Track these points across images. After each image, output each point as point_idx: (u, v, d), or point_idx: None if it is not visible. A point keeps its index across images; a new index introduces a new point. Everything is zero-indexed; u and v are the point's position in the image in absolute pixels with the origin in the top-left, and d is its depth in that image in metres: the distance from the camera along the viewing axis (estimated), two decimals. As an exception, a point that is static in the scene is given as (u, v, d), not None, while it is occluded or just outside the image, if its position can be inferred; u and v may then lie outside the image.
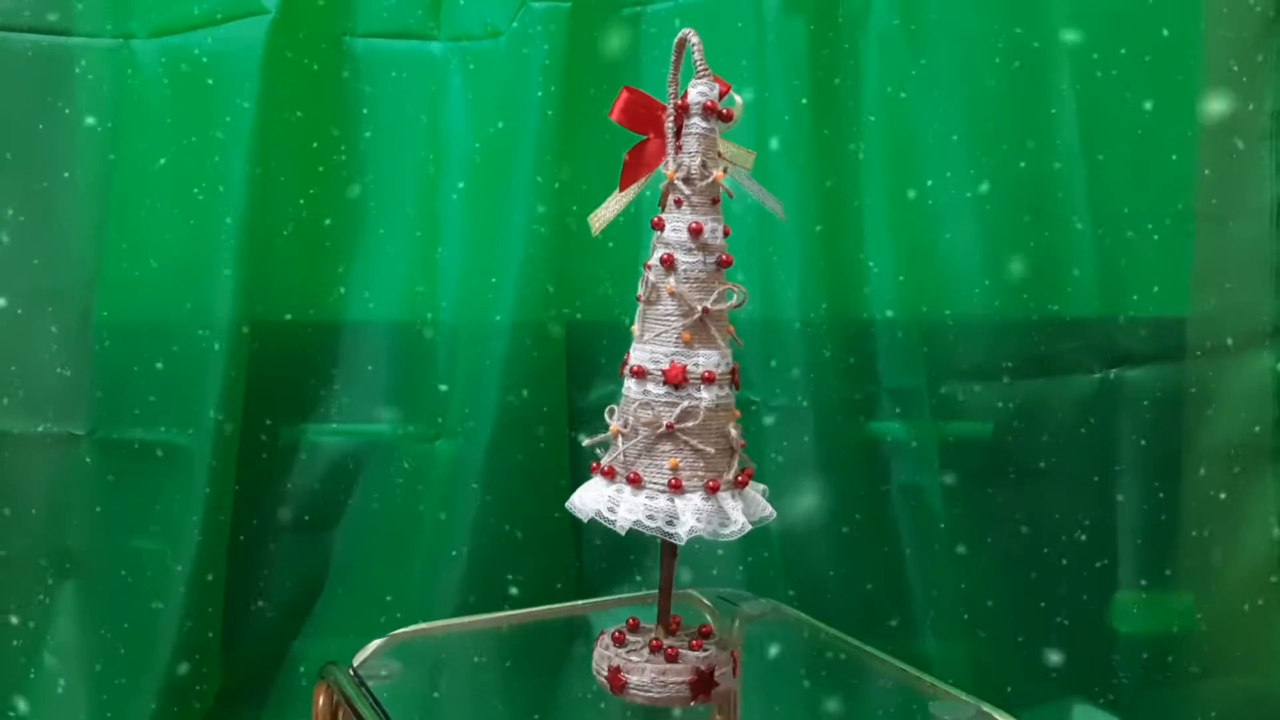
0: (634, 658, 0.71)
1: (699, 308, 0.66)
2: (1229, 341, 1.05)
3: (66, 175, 1.07)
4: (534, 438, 1.09)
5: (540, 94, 1.06)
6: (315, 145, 1.10)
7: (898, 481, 1.10)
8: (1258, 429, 1.04)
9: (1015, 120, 1.06)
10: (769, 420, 1.08)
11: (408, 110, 1.11)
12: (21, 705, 1.07)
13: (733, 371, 0.69)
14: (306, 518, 1.12)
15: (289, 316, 1.11)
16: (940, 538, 1.08)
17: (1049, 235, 1.07)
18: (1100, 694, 1.07)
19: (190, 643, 1.04)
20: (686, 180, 0.68)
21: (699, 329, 0.67)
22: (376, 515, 1.12)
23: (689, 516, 0.66)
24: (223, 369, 1.04)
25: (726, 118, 0.69)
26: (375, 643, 0.89)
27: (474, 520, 1.07)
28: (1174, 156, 1.05)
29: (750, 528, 0.67)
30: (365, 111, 1.11)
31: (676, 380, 0.66)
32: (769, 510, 0.70)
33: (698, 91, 0.67)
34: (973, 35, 1.06)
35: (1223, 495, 1.05)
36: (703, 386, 0.67)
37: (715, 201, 0.68)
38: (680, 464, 0.67)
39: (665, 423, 0.66)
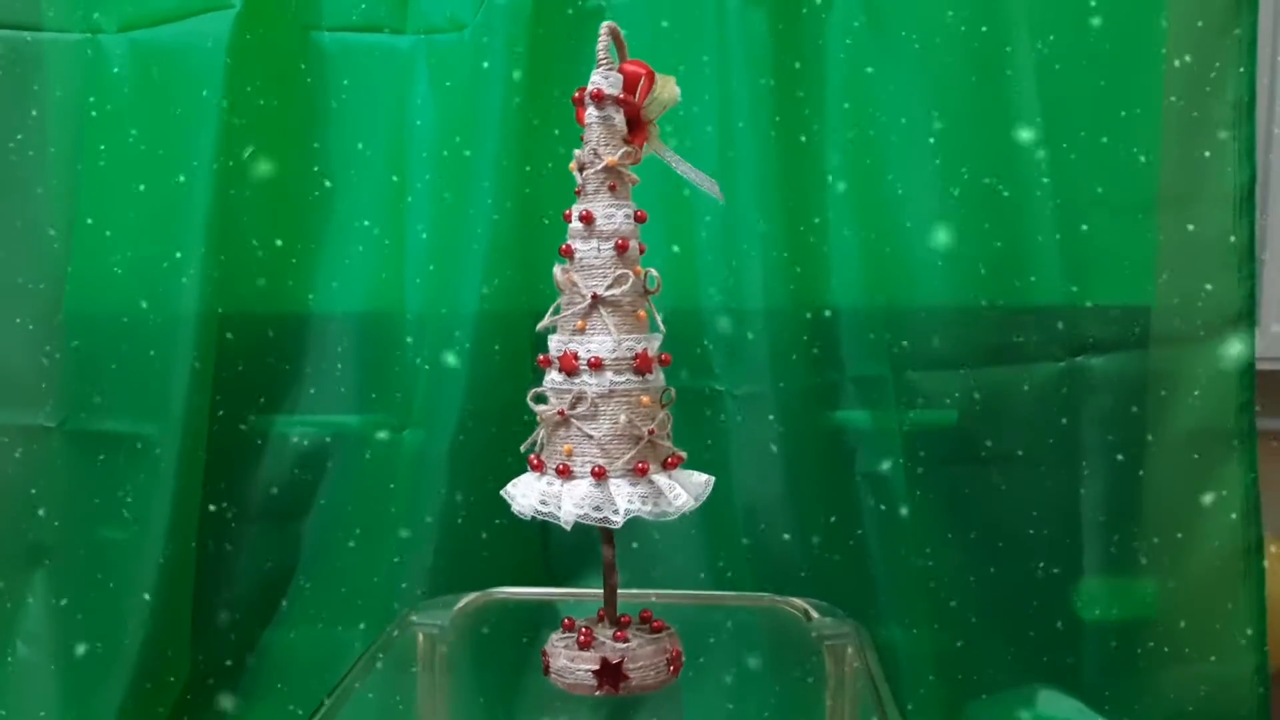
0: (560, 643, 0.72)
1: (589, 295, 0.67)
2: (1193, 329, 1.05)
3: (34, 169, 1.08)
4: (500, 428, 1.09)
5: (505, 85, 1.06)
6: (282, 138, 1.10)
7: (862, 469, 1.10)
8: (1221, 416, 1.04)
9: (980, 109, 1.07)
10: (733, 408, 1.09)
11: (374, 103, 1.11)
12: (-9, 693, 1.08)
13: (638, 357, 0.68)
14: (275, 507, 1.12)
15: (257, 308, 1.11)
16: (904, 525, 1.08)
17: (1014, 223, 1.07)
18: (1064, 679, 1.08)
19: (160, 632, 1.05)
20: (580, 169, 0.69)
21: (592, 316, 0.67)
22: (345, 504, 1.12)
23: (569, 502, 0.66)
24: (191, 361, 1.05)
25: (620, 103, 0.69)
26: (469, 596, 0.91)
27: (441, 509, 1.07)
28: (1137, 145, 1.05)
29: (644, 515, 0.67)
30: (332, 104, 1.12)
31: (570, 368, 0.67)
32: (684, 501, 0.68)
33: (591, 81, 0.69)
34: (937, 25, 1.07)
35: (1187, 482, 1.06)
36: (591, 373, 0.67)
37: (613, 188, 0.69)
38: (574, 450, 0.67)
39: (558, 410, 0.67)
